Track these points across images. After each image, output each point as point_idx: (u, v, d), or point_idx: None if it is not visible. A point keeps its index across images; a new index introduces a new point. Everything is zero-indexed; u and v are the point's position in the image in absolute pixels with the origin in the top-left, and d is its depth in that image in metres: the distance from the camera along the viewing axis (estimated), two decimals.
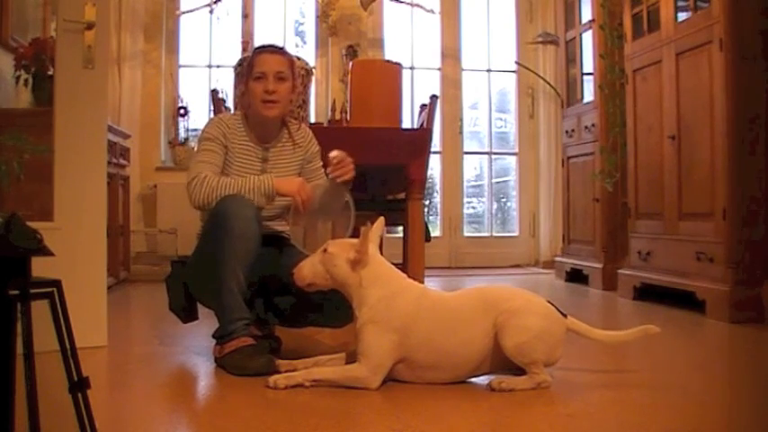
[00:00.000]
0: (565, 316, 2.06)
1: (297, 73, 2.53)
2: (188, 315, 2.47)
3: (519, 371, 2.00)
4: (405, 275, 2.13)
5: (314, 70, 5.15)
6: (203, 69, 5.47)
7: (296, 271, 2.06)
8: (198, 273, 2.33)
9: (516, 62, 5.96)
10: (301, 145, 2.52)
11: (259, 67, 2.38)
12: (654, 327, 2.06)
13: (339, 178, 2.28)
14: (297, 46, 5.63)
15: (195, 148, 2.42)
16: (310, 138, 2.57)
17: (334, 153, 2.30)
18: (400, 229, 3.85)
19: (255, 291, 2.35)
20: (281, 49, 2.49)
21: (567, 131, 5.02)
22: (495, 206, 6.12)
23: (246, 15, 5.47)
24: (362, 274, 2.02)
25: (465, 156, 5.99)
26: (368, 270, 2.02)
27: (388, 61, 3.73)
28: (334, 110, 4.27)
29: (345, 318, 2.22)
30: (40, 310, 1.13)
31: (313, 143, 2.57)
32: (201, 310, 2.45)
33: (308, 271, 2.05)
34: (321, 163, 2.54)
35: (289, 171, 2.47)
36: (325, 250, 2.05)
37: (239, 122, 2.44)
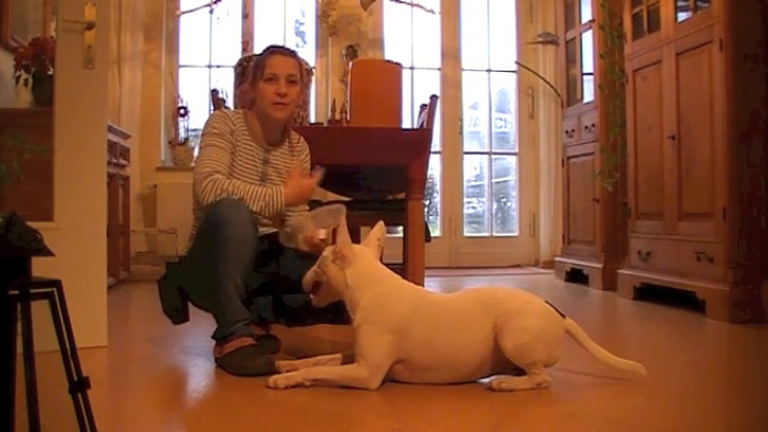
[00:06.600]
0: (563, 316, 2.06)
1: (305, 77, 2.53)
2: (180, 317, 2.46)
3: (519, 371, 2.00)
4: (398, 276, 2.12)
5: (314, 70, 5.16)
6: (203, 69, 5.48)
7: (303, 279, 2.12)
8: (194, 276, 2.32)
9: (516, 62, 5.96)
10: (298, 155, 2.55)
11: (271, 68, 2.37)
12: (643, 369, 2.04)
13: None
14: (297, 46, 5.63)
15: (201, 142, 2.37)
16: (307, 152, 2.60)
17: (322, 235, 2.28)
18: (400, 229, 3.85)
19: (261, 291, 2.35)
20: (293, 52, 2.48)
21: (567, 131, 5.02)
22: (495, 206, 6.12)
23: (246, 15, 5.47)
24: (348, 274, 2.02)
25: (465, 156, 5.99)
26: (353, 269, 2.03)
27: (388, 61, 3.72)
28: (334, 110, 4.26)
29: None
30: (40, 310, 1.13)
31: (308, 158, 2.59)
32: (196, 310, 2.45)
33: (309, 276, 2.11)
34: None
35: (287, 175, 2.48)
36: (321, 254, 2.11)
37: (241, 120, 2.43)
